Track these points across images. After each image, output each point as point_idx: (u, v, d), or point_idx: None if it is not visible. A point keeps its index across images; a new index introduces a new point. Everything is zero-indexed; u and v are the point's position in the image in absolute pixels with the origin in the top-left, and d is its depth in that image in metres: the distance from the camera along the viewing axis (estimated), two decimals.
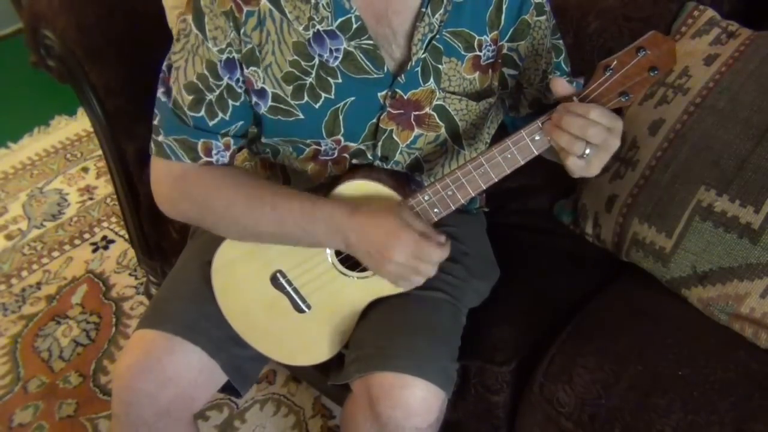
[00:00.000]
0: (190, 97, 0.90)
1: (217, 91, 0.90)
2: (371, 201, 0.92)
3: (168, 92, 0.91)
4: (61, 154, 2.45)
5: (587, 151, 0.82)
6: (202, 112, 0.91)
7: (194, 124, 0.91)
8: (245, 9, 0.86)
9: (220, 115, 0.91)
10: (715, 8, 1.18)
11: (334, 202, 0.90)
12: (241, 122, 0.94)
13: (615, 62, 0.80)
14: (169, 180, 0.94)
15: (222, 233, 0.97)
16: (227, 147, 0.94)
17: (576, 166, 0.84)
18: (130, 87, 1.44)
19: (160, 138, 0.92)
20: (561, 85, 0.84)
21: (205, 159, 0.93)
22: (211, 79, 0.89)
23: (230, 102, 0.91)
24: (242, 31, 0.87)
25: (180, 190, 0.94)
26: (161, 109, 0.92)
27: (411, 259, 0.87)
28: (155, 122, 0.93)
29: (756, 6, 1.22)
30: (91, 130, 1.81)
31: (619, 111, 1.15)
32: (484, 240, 1.20)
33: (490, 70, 0.97)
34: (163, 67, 0.92)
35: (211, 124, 0.91)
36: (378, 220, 0.87)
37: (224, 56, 0.88)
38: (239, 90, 0.91)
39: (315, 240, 0.91)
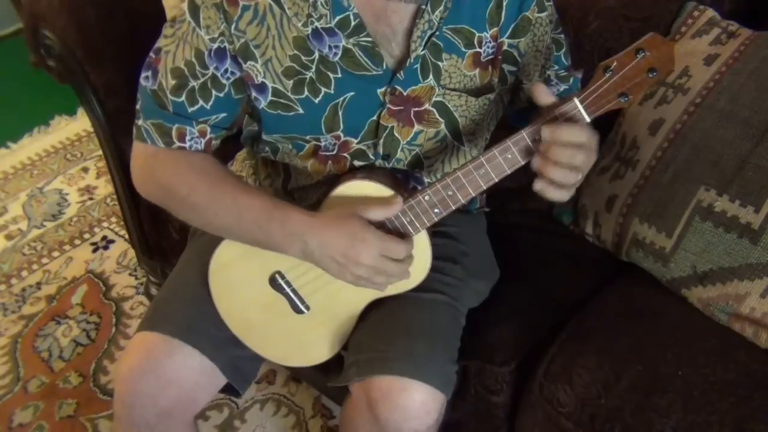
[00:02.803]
0: (174, 82, 0.90)
1: (201, 80, 0.90)
2: (332, 208, 0.91)
3: (153, 75, 0.92)
4: (61, 154, 2.45)
5: (579, 177, 0.82)
6: (183, 98, 0.91)
7: (173, 108, 0.92)
8: (241, 3, 0.87)
9: (201, 103, 0.92)
10: (715, 8, 1.18)
11: (295, 208, 0.89)
12: (223, 114, 0.94)
13: (615, 63, 0.80)
14: (141, 160, 0.96)
15: (185, 219, 0.97)
16: (202, 134, 0.94)
17: (563, 196, 0.83)
18: (130, 87, 1.43)
19: (140, 122, 0.94)
20: (542, 94, 0.81)
21: (178, 144, 0.93)
22: (197, 67, 0.90)
23: (213, 92, 0.92)
24: (234, 25, 0.87)
25: (149, 170, 0.95)
26: (143, 93, 0.94)
27: (378, 259, 0.85)
28: (137, 106, 0.94)
29: (756, 6, 1.22)
30: (91, 130, 1.80)
31: (618, 111, 1.15)
32: (484, 240, 1.20)
33: (490, 67, 0.97)
34: (152, 52, 0.93)
35: (189, 110, 0.92)
36: (338, 225, 0.86)
37: (215, 45, 0.89)
38: (224, 81, 0.91)
39: (272, 241, 0.89)
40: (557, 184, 0.81)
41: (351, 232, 0.85)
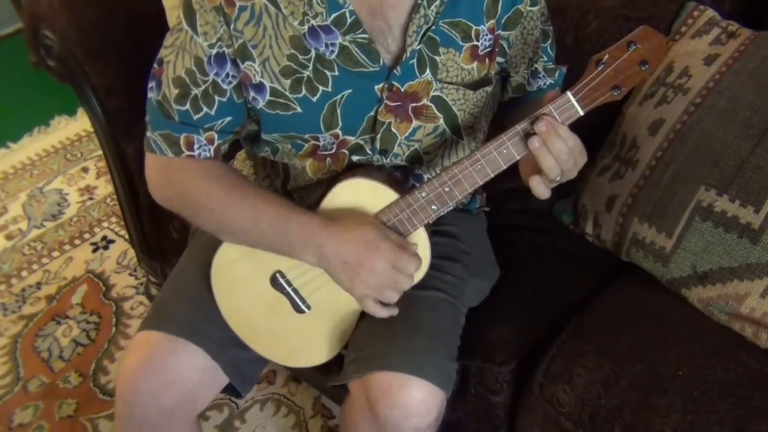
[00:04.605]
0: (176, 91, 0.91)
1: (203, 87, 0.91)
2: (349, 215, 0.92)
3: (158, 86, 0.93)
4: (61, 154, 2.45)
5: (558, 178, 0.84)
6: (187, 106, 0.92)
7: (179, 117, 0.92)
8: (238, 4, 0.87)
9: (205, 109, 0.92)
10: (715, 8, 1.18)
11: (311, 213, 0.91)
12: (228, 118, 0.94)
13: (607, 56, 0.81)
14: (155, 170, 0.97)
15: (200, 224, 0.98)
16: (210, 141, 0.94)
17: (543, 190, 0.85)
18: (130, 87, 1.44)
19: (149, 133, 0.95)
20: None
21: (187, 153, 0.94)
22: (198, 75, 0.90)
23: (216, 98, 0.92)
24: (232, 26, 0.88)
25: (165, 180, 0.97)
26: (149, 104, 0.95)
27: (390, 269, 0.87)
28: (146, 119, 0.96)
29: (756, 6, 1.22)
30: (91, 130, 1.81)
31: (615, 107, 1.15)
32: (484, 240, 1.20)
33: (487, 60, 0.97)
34: (155, 62, 0.94)
35: (195, 118, 0.93)
36: (355, 231, 0.88)
37: (214, 51, 0.89)
38: (225, 87, 0.92)
39: (288, 245, 0.91)
40: (547, 178, 0.84)
41: (367, 239, 0.87)
